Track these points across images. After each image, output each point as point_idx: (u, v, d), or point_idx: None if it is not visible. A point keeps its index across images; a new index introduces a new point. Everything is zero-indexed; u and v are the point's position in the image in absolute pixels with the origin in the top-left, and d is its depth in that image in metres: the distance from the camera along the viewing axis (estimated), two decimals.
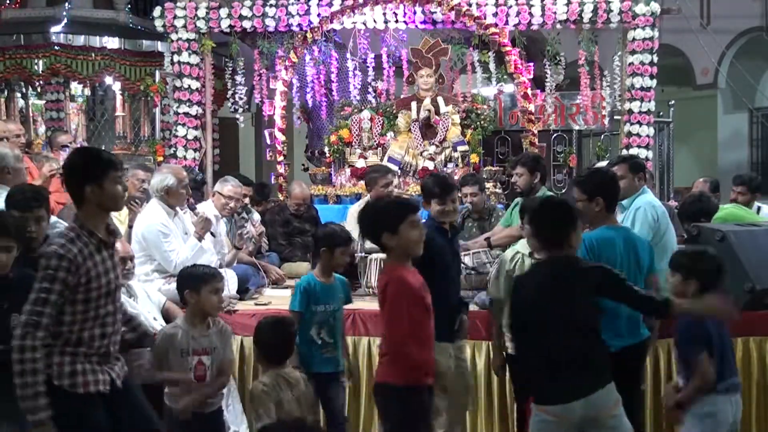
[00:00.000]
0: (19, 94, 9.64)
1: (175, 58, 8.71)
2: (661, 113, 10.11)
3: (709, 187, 6.99)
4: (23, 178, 5.18)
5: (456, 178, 7.99)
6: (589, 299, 3.39)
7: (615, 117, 9.05)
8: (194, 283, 3.99)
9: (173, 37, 8.71)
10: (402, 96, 9.08)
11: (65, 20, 9.79)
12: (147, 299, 4.79)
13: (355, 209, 6.69)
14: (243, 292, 5.75)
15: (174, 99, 8.82)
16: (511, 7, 8.42)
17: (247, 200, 6.47)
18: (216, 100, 9.48)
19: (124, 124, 9.31)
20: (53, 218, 4.84)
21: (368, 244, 6.25)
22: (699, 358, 3.64)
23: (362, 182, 8.14)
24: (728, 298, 3.53)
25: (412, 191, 7.85)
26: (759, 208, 6.76)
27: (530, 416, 3.51)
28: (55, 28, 9.67)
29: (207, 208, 5.90)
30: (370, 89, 9.24)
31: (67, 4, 10.05)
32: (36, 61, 9.60)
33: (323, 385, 4.14)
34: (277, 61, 8.82)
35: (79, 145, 8.35)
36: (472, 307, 5.26)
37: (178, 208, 5.46)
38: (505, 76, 8.94)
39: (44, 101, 9.63)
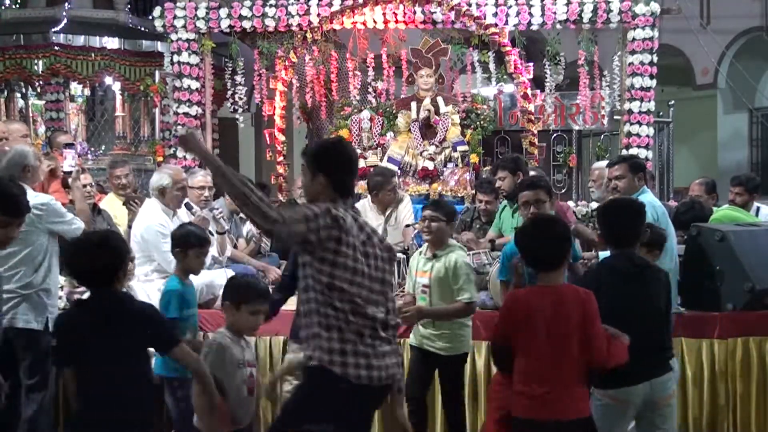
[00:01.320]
0: (18, 95, 9.64)
1: (175, 58, 8.71)
2: (661, 113, 10.11)
3: (705, 189, 6.96)
4: (39, 177, 5.17)
5: (456, 178, 8.03)
6: (663, 291, 3.70)
7: (615, 117, 9.04)
8: (235, 297, 3.71)
9: (173, 37, 8.70)
10: (402, 96, 9.08)
11: (65, 20, 9.78)
12: (146, 300, 4.78)
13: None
14: None
15: (174, 99, 8.82)
16: (510, 7, 8.42)
17: None
18: (216, 101, 9.47)
19: (123, 125, 9.31)
20: (69, 215, 4.84)
21: None
22: None
23: (362, 182, 8.15)
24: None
25: (411, 191, 7.85)
26: (758, 209, 6.74)
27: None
28: (55, 28, 9.66)
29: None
30: (370, 89, 9.24)
31: (66, 4, 10.04)
32: (36, 61, 9.58)
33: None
34: (276, 61, 8.82)
35: (78, 145, 8.35)
36: None
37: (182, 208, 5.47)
38: (504, 76, 8.94)
39: (44, 101, 9.62)
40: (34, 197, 4.67)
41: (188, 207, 5.55)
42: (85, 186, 5.87)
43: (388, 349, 3.12)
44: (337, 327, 3.03)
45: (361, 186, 8.07)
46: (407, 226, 6.26)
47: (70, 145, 5.65)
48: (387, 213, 6.46)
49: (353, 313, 3.04)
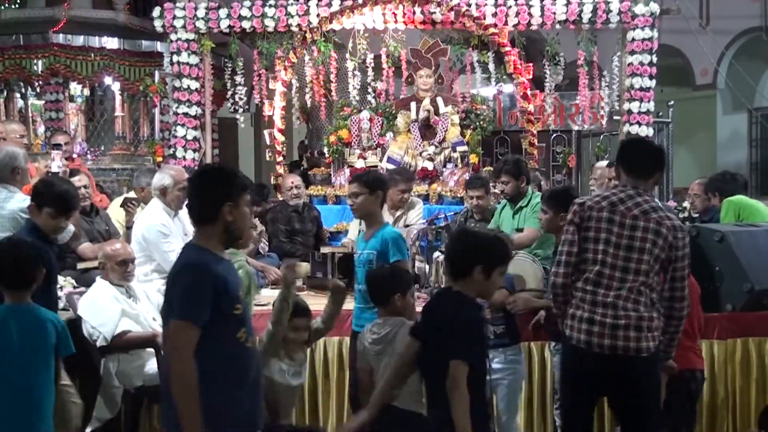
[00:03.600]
0: (18, 95, 9.62)
1: (175, 58, 8.70)
2: (661, 113, 10.11)
3: (704, 189, 6.97)
4: (28, 179, 5.18)
5: (455, 178, 8.03)
6: None
7: (614, 117, 9.04)
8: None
9: (172, 37, 8.69)
10: (401, 96, 9.08)
11: (64, 20, 9.77)
12: (146, 300, 4.79)
13: None
14: None
15: (173, 99, 8.81)
16: (510, 7, 8.42)
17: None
18: (215, 101, 9.47)
19: (123, 125, 9.30)
20: None
21: None
22: None
23: None
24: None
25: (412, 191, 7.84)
26: None
27: None
28: (55, 29, 9.65)
29: None
30: (370, 89, 9.24)
31: (66, 5, 10.02)
32: (35, 61, 9.58)
33: None
34: (276, 61, 8.81)
35: (78, 145, 8.36)
36: None
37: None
38: (504, 77, 8.94)
39: (43, 101, 9.61)
40: (22, 201, 4.68)
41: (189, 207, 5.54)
42: (79, 188, 5.86)
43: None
44: None
45: None
46: (405, 226, 6.27)
47: (57, 146, 5.64)
48: (397, 215, 6.47)
49: None
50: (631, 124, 8.55)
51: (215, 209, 2.92)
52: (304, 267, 4.57)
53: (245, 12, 8.58)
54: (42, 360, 3.50)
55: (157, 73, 9.42)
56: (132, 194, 6.58)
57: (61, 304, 5.04)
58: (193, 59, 8.70)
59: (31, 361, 3.47)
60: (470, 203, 6.13)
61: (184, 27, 8.64)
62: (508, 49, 8.42)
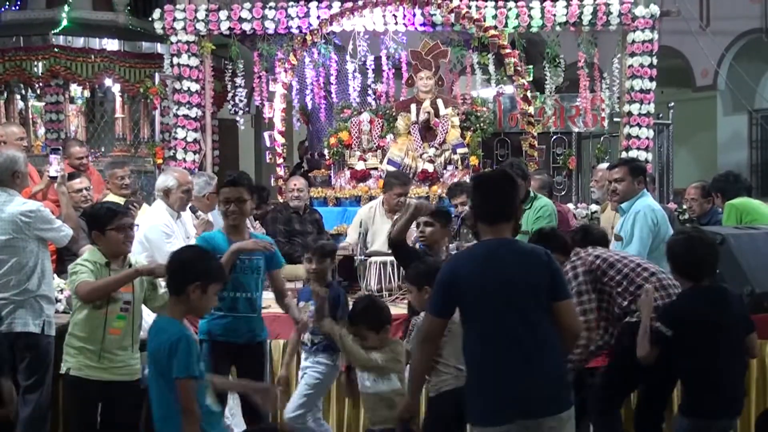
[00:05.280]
0: (18, 96, 9.64)
1: (175, 60, 8.69)
2: (661, 115, 10.10)
3: (701, 193, 6.95)
4: (27, 183, 5.18)
5: (456, 180, 8.03)
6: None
7: (614, 119, 9.04)
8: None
9: (173, 39, 8.69)
10: (401, 98, 9.08)
11: (65, 22, 9.78)
12: None
13: (364, 211, 6.69)
14: None
15: (173, 101, 8.81)
16: (510, 9, 8.42)
17: None
18: (216, 102, 9.47)
19: (123, 126, 9.31)
20: (58, 222, 4.85)
21: (372, 248, 6.27)
22: None
23: (362, 185, 8.19)
24: None
25: (411, 194, 7.84)
26: None
27: None
28: (55, 30, 9.65)
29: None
30: (370, 91, 9.24)
31: (66, 6, 10.03)
32: (35, 63, 9.57)
33: None
34: (276, 63, 8.81)
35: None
36: None
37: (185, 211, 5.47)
38: (504, 78, 8.94)
39: (44, 103, 9.62)
40: (22, 204, 4.71)
41: (192, 210, 5.56)
42: (80, 191, 5.86)
43: None
44: None
45: (361, 188, 8.12)
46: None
47: (55, 150, 5.62)
48: (395, 218, 6.46)
49: None
50: (631, 126, 8.56)
51: (515, 208, 3.50)
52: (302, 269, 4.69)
53: (245, 14, 8.57)
54: None
55: (157, 75, 9.41)
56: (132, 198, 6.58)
57: (61, 307, 5.08)
58: (194, 61, 8.69)
59: None
60: (456, 211, 6.19)
61: (184, 29, 8.64)
62: (508, 51, 8.41)
